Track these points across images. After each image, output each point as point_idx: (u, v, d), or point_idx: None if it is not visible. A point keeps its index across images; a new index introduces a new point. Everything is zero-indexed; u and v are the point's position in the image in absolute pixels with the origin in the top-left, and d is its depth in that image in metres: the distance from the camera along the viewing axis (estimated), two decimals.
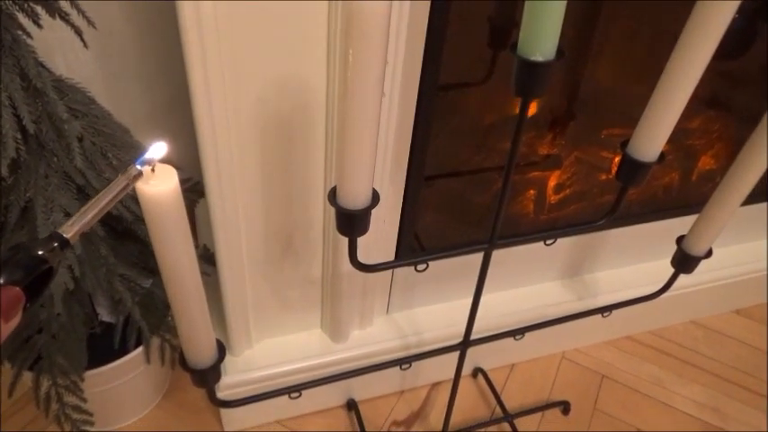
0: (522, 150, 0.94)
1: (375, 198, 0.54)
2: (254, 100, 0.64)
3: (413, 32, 0.65)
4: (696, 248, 0.76)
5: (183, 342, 0.56)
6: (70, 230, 0.39)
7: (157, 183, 0.44)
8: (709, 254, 0.77)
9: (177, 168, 0.91)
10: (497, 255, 0.86)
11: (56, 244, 0.38)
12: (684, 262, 0.77)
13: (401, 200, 0.82)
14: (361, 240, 0.68)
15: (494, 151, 0.91)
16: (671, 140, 1.03)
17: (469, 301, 0.74)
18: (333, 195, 0.53)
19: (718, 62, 0.99)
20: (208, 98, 0.61)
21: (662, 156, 0.63)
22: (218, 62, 0.59)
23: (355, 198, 0.53)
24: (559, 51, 0.50)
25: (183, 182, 0.89)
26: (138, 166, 0.43)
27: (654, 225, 1.08)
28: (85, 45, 0.72)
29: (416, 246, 0.93)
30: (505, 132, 0.88)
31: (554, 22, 0.47)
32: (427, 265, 0.66)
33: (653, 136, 0.60)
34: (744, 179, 0.67)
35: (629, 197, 1.07)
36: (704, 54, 0.52)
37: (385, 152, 0.73)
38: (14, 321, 0.36)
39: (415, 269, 0.67)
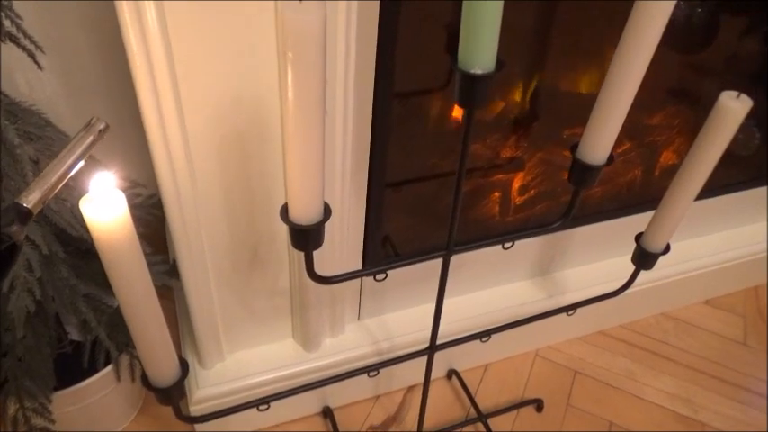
0: (486, 153, 0.95)
1: (327, 212, 0.55)
2: (209, 118, 0.64)
3: (363, 43, 0.66)
4: (654, 245, 0.77)
5: (144, 362, 0.57)
6: (31, 199, 0.34)
7: (106, 210, 0.45)
8: (666, 249, 0.78)
9: (142, 186, 0.91)
10: (465, 257, 0.87)
11: (15, 218, 0.34)
12: (643, 259, 0.79)
13: (364, 208, 0.83)
14: (326, 250, 0.69)
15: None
16: (633, 137, 1.06)
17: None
18: (284, 212, 0.54)
19: (682, 55, 1.01)
20: (160, 120, 0.61)
21: (611, 158, 0.64)
22: (168, 83, 0.59)
23: (306, 214, 0.53)
24: (499, 63, 0.51)
25: (148, 198, 0.89)
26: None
27: (620, 221, 1.10)
28: (39, 67, 0.72)
29: (390, 250, 0.94)
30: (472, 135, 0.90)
31: (490, 37, 0.48)
32: (386, 275, 0.67)
33: (599, 140, 0.61)
34: (695, 176, 0.69)
35: (595, 194, 1.09)
36: (640, 62, 0.54)
37: (343, 162, 0.74)
38: None
39: (374, 279, 0.68)
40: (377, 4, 0.64)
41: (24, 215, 0.34)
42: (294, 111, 0.46)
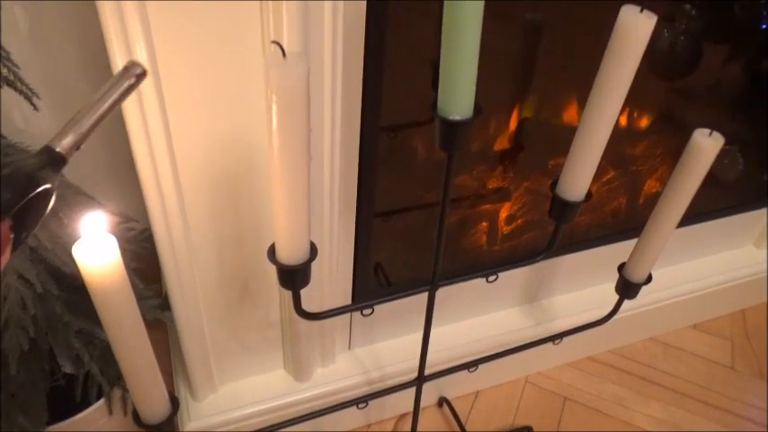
0: (472, 184, 0.97)
1: (313, 251, 0.57)
2: (199, 158, 0.66)
3: (349, 80, 0.68)
4: (635, 276, 0.79)
5: (135, 399, 0.58)
6: (64, 144, 0.32)
7: (98, 255, 0.46)
8: (648, 280, 0.80)
9: (135, 220, 0.92)
10: (452, 288, 0.89)
11: (47, 163, 0.31)
12: (626, 288, 0.81)
13: (353, 241, 0.85)
14: (315, 284, 0.70)
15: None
16: (617, 166, 1.08)
17: (431, 332, 0.76)
18: (272, 253, 0.56)
19: (665, 83, 1.04)
20: (152, 161, 0.63)
21: (589, 194, 0.66)
22: (160, 124, 0.61)
23: (293, 254, 0.55)
24: (477, 109, 0.53)
25: (140, 232, 0.91)
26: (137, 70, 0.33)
27: (607, 248, 1.11)
28: (35, 108, 0.74)
29: (381, 278, 0.95)
30: (459, 167, 0.92)
31: (468, 85, 0.51)
32: (373, 310, 0.68)
33: (577, 179, 0.63)
34: (671, 210, 0.71)
35: (581, 222, 1.11)
36: (613, 105, 0.56)
37: (331, 198, 0.75)
38: (1, 261, 0.29)
39: (361, 314, 0.69)
40: (362, 44, 0.66)
41: (57, 160, 0.31)
42: (279, 158, 0.48)
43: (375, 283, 0.94)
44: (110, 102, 0.33)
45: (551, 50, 0.87)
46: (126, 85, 0.34)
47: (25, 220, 0.30)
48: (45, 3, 0.87)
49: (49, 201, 0.31)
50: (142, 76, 0.34)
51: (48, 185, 0.30)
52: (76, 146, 0.32)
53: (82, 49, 0.94)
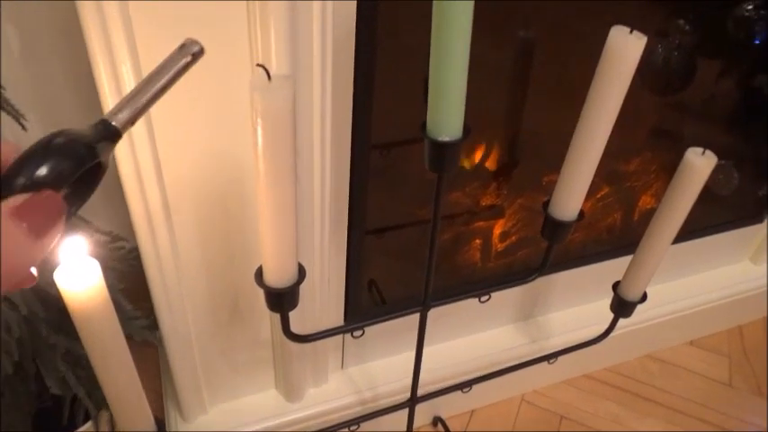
0: (466, 201, 0.97)
1: (301, 274, 0.56)
2: (188, 178, 0.66)
3: (339, 99, 0.67)
4: (630, 295, 0.78)
5: (120, 423, 0.57)
6: (120, 118, 0.31)
7: (80, 281, 0.45)
8: (643, 298, 0.79)
9: (123, 239, 0.91)
10: (445, 307, 0.88)
11: (102, 137, 0.30)
12: (621, 307, 0.80)
13: (345, 260, 0.84)
14: (306, 304, 0.69)
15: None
16: (611, 183, 1.08)
17: (425, 351, 0.75)
18: (259, 276, 0.55)
19: (659, 98, 1.04)
20: (138, 180, 0.62)
21: (581, 214, 0.66)
22: (147, 144, 0.61)
23: (281, 277, 0.54)
24: (466, 129, 0.53)
25: (129, 252, 0.90)
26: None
27: (602, 265, 1.11)
28: (23, 128, 0.74)
29: (375, 294, 0.94)
30: (453, 183, 0.91)
31: (457, 106, 0.50)
32: (363, 331, 0.67)
33: (569, 199, 0.63)
34: (665, 229, 0.71)
35: (576, 239, 1.11)
36: (604, 126, 0.55)
37: (322, 216, 0.75)
38: (51, 237, 0.27)
39: (352, 335, 0.68)
40: (352, 61, 0.66)
41: (113, 134, 0.31)
42: (265, 181, 0.47)
43: (368, 301, 0.93)
44: (165, 79, 0.32)
45: (545, 66, 0.87)
46: (182, 63, 0.33)
47: (74, 195, 0.29)
48: (37, 21, 0.87)
49: (100, 178, 0.31)
50: (199, 54, 0.33)
51: (100, 160, 0.29)
52: (131, 121, 0.32)
53: (73, 69, 0.94)
